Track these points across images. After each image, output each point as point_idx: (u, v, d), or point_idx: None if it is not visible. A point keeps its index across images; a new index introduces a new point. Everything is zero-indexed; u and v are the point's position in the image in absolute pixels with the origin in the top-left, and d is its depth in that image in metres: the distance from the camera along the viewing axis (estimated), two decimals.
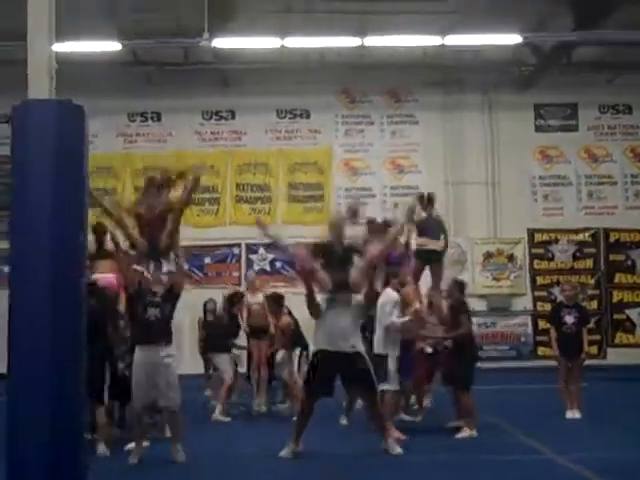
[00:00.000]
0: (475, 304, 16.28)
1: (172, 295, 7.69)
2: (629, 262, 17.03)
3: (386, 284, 8.98)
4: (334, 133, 17.21)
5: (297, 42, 14.27)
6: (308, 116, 17.21)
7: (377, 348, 8.56)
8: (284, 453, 7.61)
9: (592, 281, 16.89)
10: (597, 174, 17.24)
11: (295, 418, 8.10)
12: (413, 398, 10.08)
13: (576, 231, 17.06)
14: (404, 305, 8.83)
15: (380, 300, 8.67)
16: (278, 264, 16.57)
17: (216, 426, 9.80)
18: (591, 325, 12.33)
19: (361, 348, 7.77)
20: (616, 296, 16.96)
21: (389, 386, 8.59)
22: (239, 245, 16.69)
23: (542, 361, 15.37)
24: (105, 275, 8.56)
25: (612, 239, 17.02)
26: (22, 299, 5.28)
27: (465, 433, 8.65)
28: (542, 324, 15.73)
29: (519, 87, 16.95)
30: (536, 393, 12.10)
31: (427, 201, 10.22)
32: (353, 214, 9.36)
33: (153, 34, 14.01)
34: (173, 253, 8.23)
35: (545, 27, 14.70)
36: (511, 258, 16.98)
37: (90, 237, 8.62)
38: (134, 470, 7.32)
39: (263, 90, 16.32)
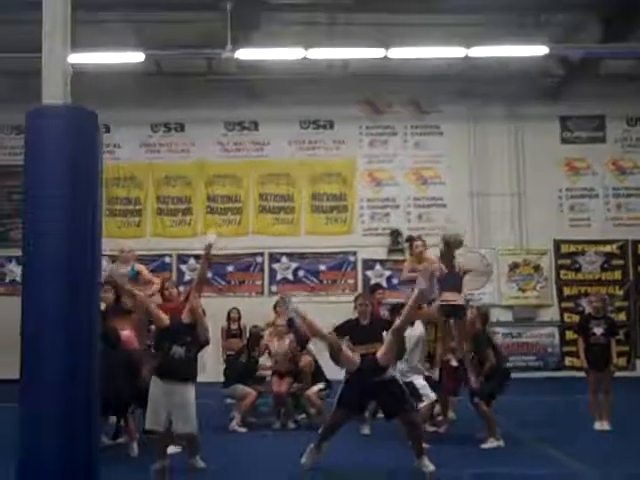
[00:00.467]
0: (501, 315, 16.29)
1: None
2: None
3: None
4: (358, 144, 17.15)
5: (321, 53, 14.18)
6: (332, 127, 17.18)
7: (402, 378, 8.17)
8: (305, 460, 7.46)
9: (620, 292, 16.67)
10: (625, 186, 17.07)
11: (321, 429, 7.90)
12: (437, 408, 9.92)
13: (604, 242, 16.85)
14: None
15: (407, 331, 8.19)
16: (301, 273, 16.61)
17: (233, 436, 9.61)
18: (620, 336, 12.14)
19: (394, 373, 7.68)
20: None
21: (427, 400, 8.71)
22: (262, 254, 16.70)
23: (570, 372, 15.28)
24: (123, 332, 8.40)
25: None
26: (36, 304, 5.26)
27: (492, 444, 8.52)
28: (569, 335, 15.52)
29: (545, 99, 16.80)
30: (564, 404, 11.87)
31: (454, 246, 9.31)
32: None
33: (177, 45, 14.05)
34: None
35: (572, 39, 14.52)
36: (537, 269, 16.80)
37: (110, 293, 8.70)
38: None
39: (286, 101, 16.33)
